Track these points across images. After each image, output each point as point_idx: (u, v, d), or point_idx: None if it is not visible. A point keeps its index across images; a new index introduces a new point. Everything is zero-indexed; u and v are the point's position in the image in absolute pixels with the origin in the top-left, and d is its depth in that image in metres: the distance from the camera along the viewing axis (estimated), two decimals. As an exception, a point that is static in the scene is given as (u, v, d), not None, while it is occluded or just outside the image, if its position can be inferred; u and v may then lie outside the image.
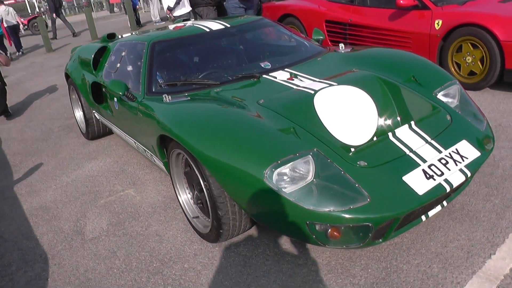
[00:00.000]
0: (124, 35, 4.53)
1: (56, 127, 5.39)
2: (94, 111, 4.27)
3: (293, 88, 2.75)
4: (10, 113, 6.18)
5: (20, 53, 12.80)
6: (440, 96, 2.71)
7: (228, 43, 3.51)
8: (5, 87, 6.03)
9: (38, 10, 24.38)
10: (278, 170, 2.06)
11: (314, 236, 2.07)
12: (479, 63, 4.18)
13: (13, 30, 12.46)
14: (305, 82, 2.81)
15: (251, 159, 2.12)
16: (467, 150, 2.32)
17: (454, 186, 2.13)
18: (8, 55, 10.84)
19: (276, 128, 2.30)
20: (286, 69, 3.07)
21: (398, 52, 3.20)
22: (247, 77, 3.01)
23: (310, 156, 2.12)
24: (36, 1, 26.71)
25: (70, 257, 2.79)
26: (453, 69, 4.38)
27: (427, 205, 2.16)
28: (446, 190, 2.10)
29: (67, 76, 4.73)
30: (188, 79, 3.15)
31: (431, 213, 2.26)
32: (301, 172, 2.11)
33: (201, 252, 2.61)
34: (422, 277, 2.15)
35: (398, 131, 2.37)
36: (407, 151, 2.24)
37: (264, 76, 3.00)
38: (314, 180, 2.09)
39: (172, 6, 6.37)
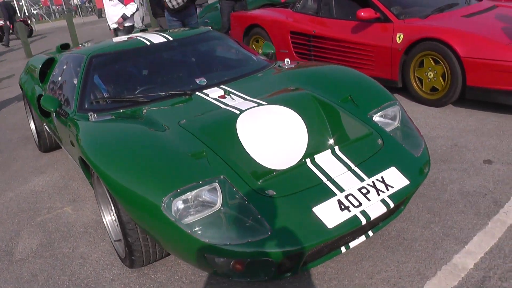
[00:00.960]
0: (83, 45, 4.43)
1: (16, 137, 5.27)
2: (44, 124, 4.17)
3: (220, 107, 2.63)
4: None
5: None
6: (377, 117, 2.58)
7: (167, 57, 3.41)
8: None
9: (24, 15, 24.38)
10: (178, 198, 1.94)
11: (215, 269, 1.94)
12: (441, 78, 4.06)
13: None
14: (235, 101, 2.69)
15: (151, 186, 2.00)
16: (395, 178, 2.19)
17: (372, 218, 2.00)
18: None
19: (187, 152, 2.18)
20: (221, 86, 2.96)
21: (339, 69, 3.09)
22: (179, 94, 2.90)
23: (217, 183, 2.01)
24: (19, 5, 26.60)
25: (-10, 280, 2.67)
26: (415, 84, 4.26)
27: (343, 237, 2.04)
28: (361, 222, 1.97)
29: (21, 87, 4.63)
30: (122, 95, 3.03)
31: (352, 243, 2.14)
32: (206, 200, 1.99)
33: (119, 278, 2.48)
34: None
35: (318, 157, 2.24)
36: (324, 179, 2.12)
37: (197, 93, 2.89)
38: (222, 208, 1.97)
39: (128, 16, 6.26)
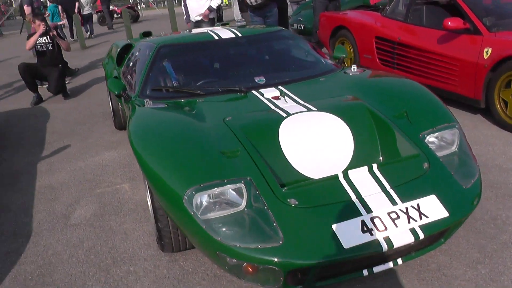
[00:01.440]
0: (161, 35, 4.67)
1: (99, 112, 5.72)
2: (119, 104, 4.47)
3: (270, 108, 2.64)
4: (68, 94, 6.69)
5: (93, 36, 14.32)
6: (430, 138, 2.41)
7: (232, 53, 3.48)
8: (65, 69, 6.61)
9: (131, 2, 26.00)
10: (200, 193, 1.99)
11: (227, 268, 1.97)
12: (530, 103, 3.68)
13: (88, 18, 14.20)
14: (287, 104, 2.68)
15: (177, 177, 2.08)
16: (432, 208, 2.03)
17: (396, 246, 1.89)
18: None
19: (221, 149, 2.22)
20: (279, 87, 2.96)
21: (402, 82, 2.93)
22: (234, 91, 2.95)
23: (242, 184, 2.03)
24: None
25: (47, 238, 2.96)
26: (498, 107, 3.89)
27: (364, 259, 1.96)
28: (382, 249, 1.86)
29: (104, 68, 5.01)
30: (182, 86, 3.16)
31: (376, 268, 2.03)
32: (230, 200, 2.02)
33: (151, 259, 2.61)
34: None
35: (352, 172, 2.15)
36: (353, 197, 2.03)
37: (253, 91, 2.91)
38: (246, 210, 1.99)
39: (214, 8, 6.40)
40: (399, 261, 2.08)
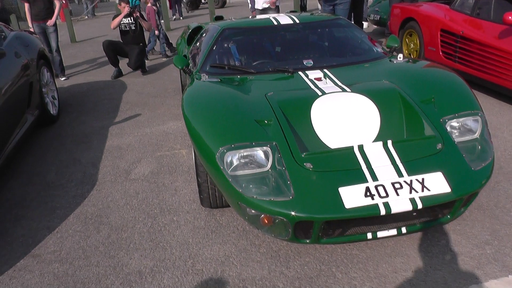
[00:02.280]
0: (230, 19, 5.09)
1: (171, 88, 6.30)
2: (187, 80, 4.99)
3: (310, 87, 2.94)
4: (146, 70, 7.36)
5: (181, 18, 15.17)
6: (452, 123, 2.59)
7: (288, 37, 3.79)
8: (144, 47, 7.34)
9: None
10: (231, 152, 2.36)
11: (246, 217, 2.33)
12: None
13: (177, 0, 15.27)
14: (326, 85, 2.97)
15: (213, 137, 2.47)
16: (436, 183, 2.24)
17: (393, 211, 2.13)
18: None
19: (256, 118, 2.57)
20: (324, 70, 3.24)
21: (436, 71, 3.09)
22: (283, 71, 3.28)
23: (268, 147, 2.37)
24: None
25: (109, 187, 3.51)
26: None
27: (369, 223, 2.23)
28: (380, 212, 2.12)
29: (176, 48, 5.55)
30: (239, 65, 3.56)
31: (381, 233, 2.29)
32: (256, 160, 2.37)
33: (193, 212, 3.05)
34: (344, 288, 2.24)
35: (367, 146, 2.41)
36: (363, 166, 2.29)
37: (299, 72, 3.22)
38: (270, 170, 2.34)
39: None
40: (403, 229, 2.31)
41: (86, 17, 18.73)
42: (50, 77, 5.26)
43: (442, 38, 5.18)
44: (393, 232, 2.30)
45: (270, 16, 4.15)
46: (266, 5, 6.71)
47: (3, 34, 4.54)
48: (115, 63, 7.18)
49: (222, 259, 2.53)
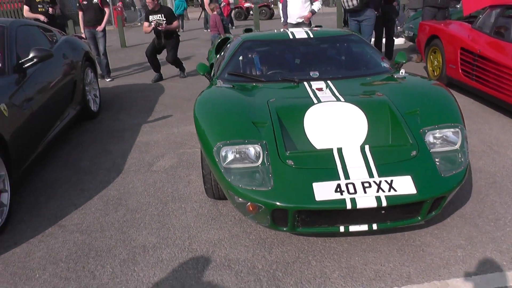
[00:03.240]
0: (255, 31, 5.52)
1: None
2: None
3: (309, 96, 3.27)
4: (185, 75, 7.93)
5: (233, 28, 15.76)
6: (431, 133, 2.84)
7: (301, 50, 4.14)
8: (178, 39, 7.79)
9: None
10: (226, 147, 2.74)
11: (235, 205, 2.69)
12: None
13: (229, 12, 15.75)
14: (325, 94, 3.28)
15: (213, 133, 2.86)
16: (403, 185, 2.50)
17: (358, 207, 2.42)
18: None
19: (253, 120, 2.93)
20: (328, 81, 3.55)
21: (429, 86, 3.41)
22: (290, 81, 3.63)
23: (259, 145, 2.73)
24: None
25: (132, 176, 3.97)
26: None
27: (347, 216, 2.53)
28: (346, 206, 2.42)
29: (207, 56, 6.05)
30: (252, 74, 3.96)
31: (352, 228, 2.58)
32: (249, 155, 2.73)
33: (199, 201, 3.44)
34: (317, 277, 2.54)
35: (345, 149, 2.71)
36: (339, 166, 2.60)
37: (304, 82, 3.56)
38: (260, 165, 2.69)
39: (316, 11, 6.99)
40: (374, 226, 2.59)
41: (139, 23, 19.82)
42: (94, 77, 5.86)
43: (462, 56, 5.35)
44: (365, 227, 2.59)
45: (289, 30, 4.51)
46: (300, 20, 7.04)
47: (55, 38, 5.16)
48: (157, 69, 7.76)
49: (215, 242, 2.90)
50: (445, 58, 5.75)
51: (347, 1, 6.68)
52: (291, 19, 7.06)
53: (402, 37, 9.23)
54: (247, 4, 19.58)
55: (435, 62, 6.18)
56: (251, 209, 2.60)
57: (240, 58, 4.13)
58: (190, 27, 18.13)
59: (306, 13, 6.92)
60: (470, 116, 4.98)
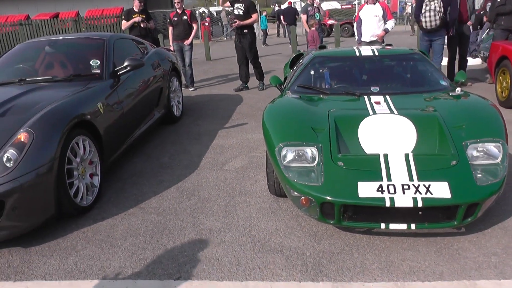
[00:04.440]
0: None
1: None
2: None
3: (366, 108, 3.62)
4: (264, 88, 8.53)
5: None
6: (473, 146, 3.10)
7: (365, 66, 4.50)
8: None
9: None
10: (286, 148, 3.19)
11: (291, 198, 3.12)
12: None
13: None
14: (381, 107, 3.62)
15: (276, 135, 3.34)
16: (440, 190, 2.79)
17: (396, 205, 2.75)
18: None
19: (312, 126, 3.36)
20: (386, 96, 3.89)
21: (477, 103, 3.65)
22: (352, 94, 4.02)
23: (315, 148, 3.15)
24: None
25: (206, 173, 4.54)
26: None
27: (388, 214, 2.86)
28: (385, 204, 2.76)
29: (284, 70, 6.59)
30: (319, 87, 4.39)
31: (392, 225, 2.90)
32: (306, 155, 3.16)
33: (263, 196, 3.91)
34: (357, 266, 2.88)
35: (391, 155, 3.04)
36: (383, 169, 2.94)
37: (364, 96, 3.92)
38: (316, 166, 3.11)
39: (390, 30, 7.26)
40: (413, 226, 2.89)
41: (225, 38, 21.03)
42: (178, 86, 6.61)
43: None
44: (403, 226, 2.90)
45: (357, 48, 4.89)
46: (374, 38, 7.36)
47: (146, 50, 5.97)
48: (244, 80, 8.53)
49: (272, 231, 3.34)
50: (511, 78, 5.78)
51: (429, 22, 6.91)
52: (365, 37, 7.41)
53: (479, 57, 9.17)
54: (330, 21, 20.06)
55: (504, 83, 6.20)
56: (304, 202, 3.02)
57: (310, 72, 4.58)
58: (271, 42, 18.96)
59: (379, 31, 7.23)
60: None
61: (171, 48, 8.68)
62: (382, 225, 2.92)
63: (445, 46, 7.67)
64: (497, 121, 3.36)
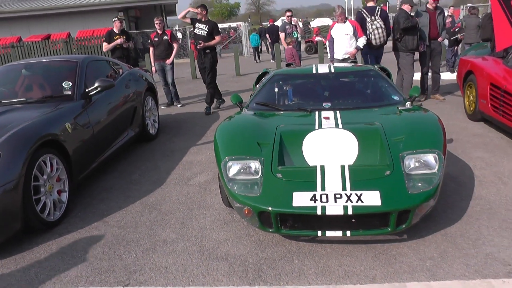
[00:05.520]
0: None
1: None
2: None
3: (314, 123, 3.86)
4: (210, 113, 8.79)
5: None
6: (408, 157, 3.32)
7: (320, 83, 4.77)
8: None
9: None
10: (231, 161, 3.43)
11: (235, 208, 3.35)
12: None
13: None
14: (329, 122, 3.86)
15: (223, 148, 3.59)
16: (371, 198, 3.01)
17: (327, 213, 2.96)
18: None
19: (258, 141, 3.60)
20: (336, 111, 4.13)
21: (420, 116, 3.88)
22: (304, 110, 4.27)
23: (258, 161, 3.39)
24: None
25: (171, 188, 4.77)
26: None
27: (323, 222, 3.07)
28: (316, 212, 2.97)
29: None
30: (275, 103, 4.64)
31: (328, 233, 3.12)
32: (250, 169, 3.40)
33: (218, 209, 4.13)
34: (294, 272, 3.09)
35: (327, 166, 3.28)
36: (319, 180, 3.16)
37: (316, 112, 4.17)
38: (259, 178, 3.35)
39: (361, 47, 7.61)
40: (348, 233, 3.10)
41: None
42: (154, 105, 6.89)
43: (491, 92, 5.62)
44: (339, 233, 3.11)
45: (315, 65, 5.17)
46: (346, 56, 7.66)
47: (121, 70, 6.26)
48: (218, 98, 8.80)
49: (221, 240, 3.55)
50: (477, 93, 6.04)
51: (378, 39, 7.52)
52: (338, 55, 7.71)
53: (455, 72, 9.48)
54: (318, 38, 20.44)
55: (471, 97, 6.46)
56: (246, 212, 3.24)
57: (268, 89, 4.85)
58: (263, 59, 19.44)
59: (351, 49, 7.54)
60: (493, 150, 5.26)
61: (153, 69, 9.02)
62: (319, 233, 3.14)
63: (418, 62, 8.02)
64: (435, 133, 3.60)
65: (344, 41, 7.58)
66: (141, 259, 3.38)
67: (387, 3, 34.83)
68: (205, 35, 8.07)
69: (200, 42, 8.03)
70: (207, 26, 8.11)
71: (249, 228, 3.70)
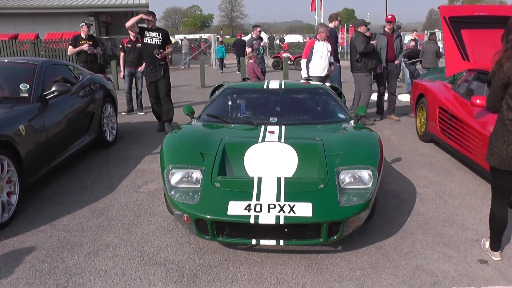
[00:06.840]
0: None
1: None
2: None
3: (257, 137, 4.09)
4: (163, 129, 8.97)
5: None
6: (344, 172, 3.57)
7: (269, 98, 5.04)
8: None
9: None
10: (174, 170, 3.62)
11: (175, 216, 3.53)
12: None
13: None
14: (273, 136, 4.09)
15: (167, 157, 3.77)
16: (303, 209, 3.22)
17: (260, 222, 3.17)
18: None
19: (201, 151, 3.81)
20: (282, 126, 4.38)
21: (359, 134, 4.17)
22: (251, 123, 4.50)
23: (199, 171, 3.59)
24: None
25: (121, 194, 4.90)
26: None
27: (258, 231, 3.27)
28: (249, 221, 3.17)
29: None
30: (225, 116, 4.86)
31: (262, 241, 3.31)
32: (192, 178, 3.60)
33: (164, 216, 4.29)
34: (228, 278, 3.30)
35: (264, 178, 3.50)
36: (255, 191, 3.37)
37: (262, 126, 4.40)
38: (199, 187, 3.54)
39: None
40: (281, 242, 3.30)
41: (183, 67, 21.79)
42: (113, 112, 7.02)
43: (440, 115, 5.99)
44: (273, 242, 3.31)
45: (267, 80, 5.44)
46: (324, 74, 7.73)
47: (81, 76, 6.40)
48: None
49: (162, 247, 3.72)
50: (428, 115, 6.41)
51: (322, 71, 7.68)
52: (317, 73, 7.70)
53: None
54: (285, 55, 20.96)
55: (422, 118, 6.84)
56: (185, 219, 3.42)
57: (220, 102, 5.08)
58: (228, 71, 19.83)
59: (330, 66, 7.79)
60: (438, 170, 5.61)
61: (121, 74, 9.20)
62: (254, 241, 3.33)
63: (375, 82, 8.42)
64: (372, 150, 3.87)
65: (326, 59, 7.72)
66: (83, 262, 3.51)
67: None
68: (160, 43, 7.37)
69: (160, 50, 7.29)
70: (160, 34, 7.43)
71: (190, 236, 3.88)
